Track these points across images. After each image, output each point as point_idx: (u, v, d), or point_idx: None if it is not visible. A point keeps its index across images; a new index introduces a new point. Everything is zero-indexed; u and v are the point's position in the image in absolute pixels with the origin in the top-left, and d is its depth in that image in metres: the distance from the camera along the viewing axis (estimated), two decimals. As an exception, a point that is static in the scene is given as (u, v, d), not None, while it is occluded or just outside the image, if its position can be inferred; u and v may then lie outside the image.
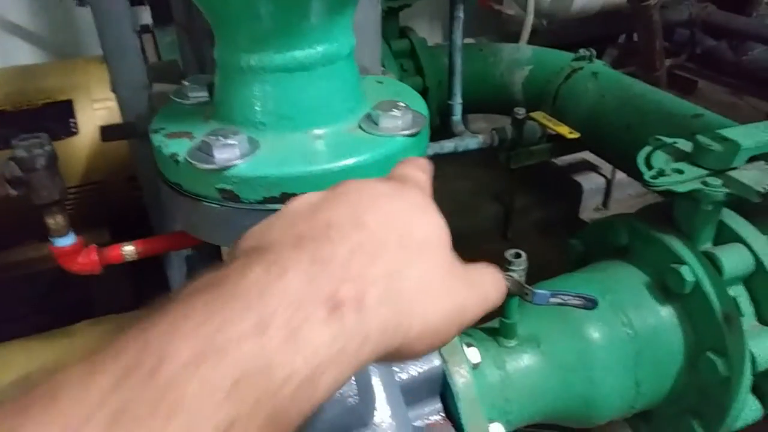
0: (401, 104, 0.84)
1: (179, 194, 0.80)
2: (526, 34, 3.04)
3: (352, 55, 0.84)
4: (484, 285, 0.56)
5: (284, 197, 0.75)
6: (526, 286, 1.20)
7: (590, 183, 3.13)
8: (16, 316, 2.52)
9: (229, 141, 0.75)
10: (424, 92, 2.76)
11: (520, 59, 2.80)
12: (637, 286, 1.40)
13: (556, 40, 3.28)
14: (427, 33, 3.06)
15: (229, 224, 0.78)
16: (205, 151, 0.75)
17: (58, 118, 2.15)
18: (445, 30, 3.69)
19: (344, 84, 0.83)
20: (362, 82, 0.91)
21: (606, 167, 3.13)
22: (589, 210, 3.17)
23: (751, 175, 1.29)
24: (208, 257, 1.06)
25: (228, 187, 0.75)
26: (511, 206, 2.90)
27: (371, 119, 0.83)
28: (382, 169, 0.79)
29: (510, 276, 1.23)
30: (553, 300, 1.19)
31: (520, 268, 1.22)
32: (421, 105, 0.88)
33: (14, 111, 2.11)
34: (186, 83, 0.94)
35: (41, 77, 2.25)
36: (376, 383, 0.94)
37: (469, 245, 2.90)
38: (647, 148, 1.44)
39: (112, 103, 2.22)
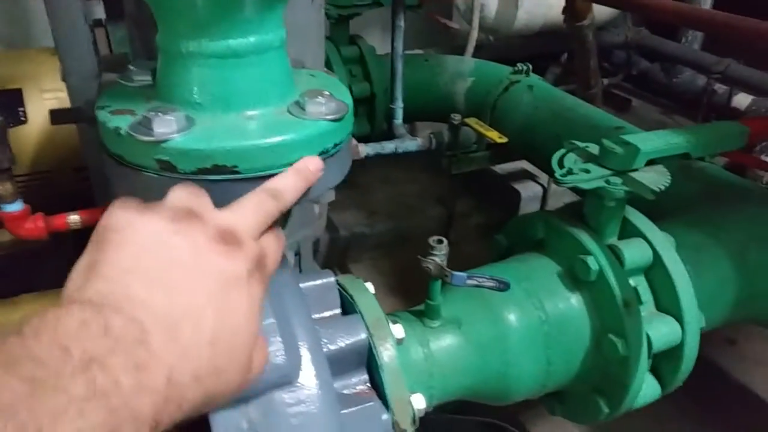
0: (326, 93, 0.94)
1: (121, 165, 0.88)
2: (471, 48, 3.20)
3: (283, 46, 0.94)
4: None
5: (216, 169, 0.84)
6: (446, 269, 1.32)
7: (528, 191, 3.30)
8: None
9: (167, 117, 0.83)
10: (371, 98, 2.88)
11: (463, 71, 2.95)
12: (549, 274, 1.54)
13: (500, 55, 3.45)
14: (378, 42, 3.18)
15: (166, 192, 0.86)
16: (145, 125, 0.83)
17: (8, 106, 2.17)
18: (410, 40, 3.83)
19: (275, 72, 0.93)
20: (295, 73, 1.01)
21: (543, 176, 3.31)
22: (526, 216, 3.33)
23: (649, 176, 1.45)
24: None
25: (165, 158, 0.83)
26: (453, 210, 3.04)
27: (299, 105, 0.93)
28: (306, 148, 0.89)
29: (433, 260, 1.35)
30: (469, 282, 1.32)
31: (441, 253, 1.34)
32: (345, 95, 0.99)
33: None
34: (131, 67, 1.02)
35: (-10, 67, 2.26)
36: (302, 346, 1.02)
37: (415, 246, 3.05)
38: (561, 151, 1.59)
39: (62, 94, 2.25)
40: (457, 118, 2.30)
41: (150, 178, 0.86)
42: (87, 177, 2.19)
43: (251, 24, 0.87)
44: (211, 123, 0.87)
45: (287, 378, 1.00)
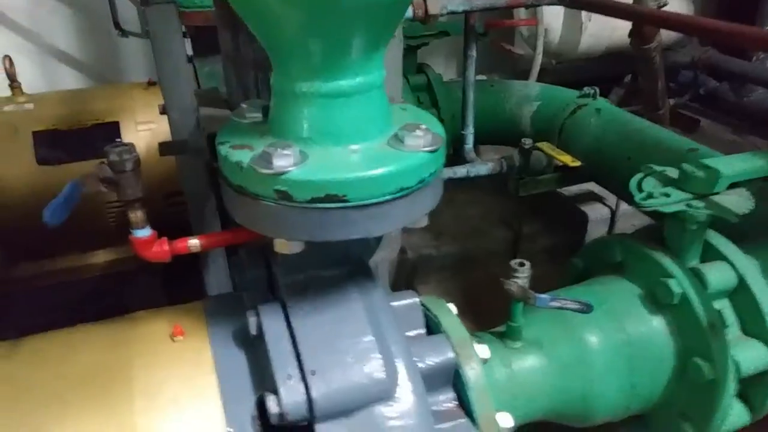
0: (423, 126, 1.01)
1: (242, 195, 0.97)
2: (535, 72, 3.24)
3: (383, 85, 1.02)
4: None
5: (327, 198, 0.92)
6: (529, 291, 1.35)
7: (596, 213, 3.28)
8: (54, 322, 2.69)
9: (285, 152, 0.92)
10: (439, 123, 2.95)
11: (529, 95, 2.99)
12: (630, 297, 1.55)
13: (563, 79, 3.48)
14: (443, 69, 3.27)
15: (282, 220, 0.95)
16: (265, 159, 0.93)
17: (105, 138, 2.35)
18: (459, 67, 3.91)
19: (377, 108, 1.01)
20: (390, 107, 1.09)
21: (611, 198, 3.29)
22: (594, 238, 3.30)
23: (731, 199, 1.45)
24: (254, 259, 1.23)
25: (283, 188, 0.92)
26: (520, 232, 3.05)
27: (398, 138, 1.00)
28: (407, 178, 0.96)
29: (515, 282, 1.39)
30: (552, 303, 1.35)
31: (524, 275, 1.38)
32: (439, 128, 1.06)
33: (66, 130, 2.32)
34: (244, 105, 1.13)
35: (91, 100, 2.47)
36: (399, 363, 1.09)
37: (479, 267, 3.09)
38: (639, 175, 1.61)
39: (155, 125, 2.44)
40: (528, 142, 2.34)
41: (268, 206, 0.95)
42: (175, 203, 2.35)
43: (359, 66, 0.95)
44: (321, 156, 0.96)
45: (387, 393, 1.06)
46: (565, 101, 2.85)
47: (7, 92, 2.44)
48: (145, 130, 2.40)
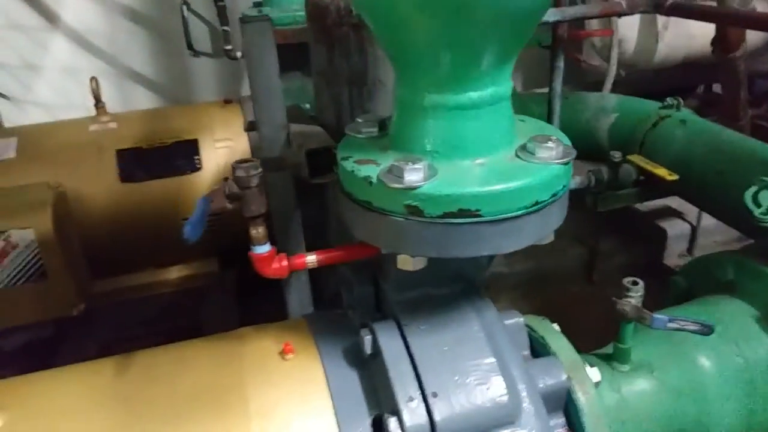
0: (554, 138, 0.97)
1: (368, 210, 0.95)
2: (609, 84, 3.15)
3: (510, 96, 0.98)
4: None
5: (460, 213, 0.88)
6: (645, 311, 1.28)
7: (675, 229, 3.15)
8: (131, 337, 2.74)
9: (416, 166, 0.89)
10: (511, 137, 2.89)
11: (606, 107, 2.90)
12: (745, 318, 1.45)
13: (634, 89, 3.37)
14: (516, 81, 3.21)
15: (410, 235, 0.92)
16: (395, 173, 0.90)
17: (185, 155, 2.40)
18: (526, 79, 3.85)
19: (505, 120, 0.98)
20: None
21: (691, 213, 3.15)
22: (673, 256, 3.17)
23: None
24: (361, 276, 1.20)
25: (415, 203, 0.89)
26: (596, 249, 2.95)
27: (527, 150, 0.96)
28: (542, 191, 0.92)
29: (629, 302, 1.32)
30: (671, 325, 1.27)
31: (637, 294, 1.30)
32: (567, 140, 1.01)
33: (148, 148, 2.37)
34: (359, 120, 1.11)
35: (170, 119, 2.52)
36: (521, 386, 1.03)
37: (555, 287, 2.99)
38: (753, 188, 1.51)
39: (232, 143, 2.47)
40: (617, 155, 2.25)
41: (396, 221, 0.92)
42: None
43: (491, 77, 0.92)
44: (450, 170, 0.92)
45: (511, 417, 1.01)
46: (645, 112, 2.75)
47: (91, 111, 2.51)
48: (223, 147, 2.44)
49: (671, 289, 1.73)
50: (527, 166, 0.93)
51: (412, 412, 0.97)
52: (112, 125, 2.46)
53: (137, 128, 2.47)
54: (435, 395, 0.98)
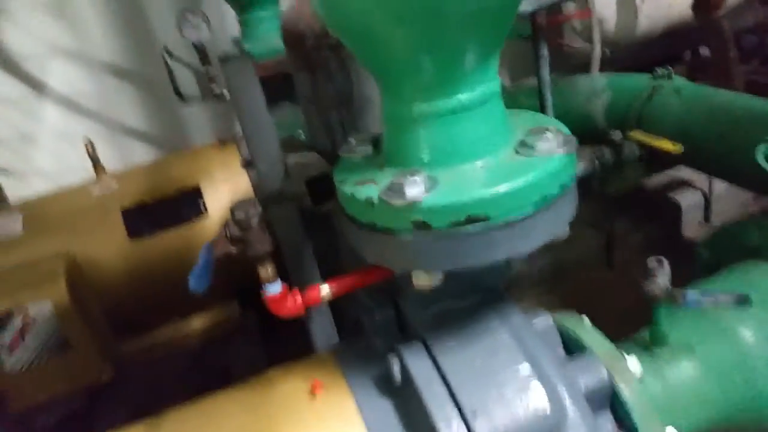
0: (552, 128, 0.94)
1: (373, 232, 0.92)
2: (596, 63, 3.12)
3: (500, 93, 0.96)
4: None
5: (469, 220, 0.85)
6: (675, 290, 1.24)
7: (688, 199, 3.10)
8: (163, 395, 2.71)
9: (415, 178, 0.87)
10: (508, 134, 2.86)
11: (597, 87, 2.87)
12: (780, 281, 1.40)
13: (622, 66, 3.33)
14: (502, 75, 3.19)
15: (421, 251, 0.89)
16: (396, 190, 0.87)
17: (189, 202, 2.39)
18: (513, 73, 3.83)
19: (498, 118, 0.95)
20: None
21: (701, 181, 3.10)
22: (691, 226, 3.12)
23: None
24: (380, 300, 1.17)
25: (420, 218, 0.86)
26: (611, 233, 2.90)
27: (527, 144, 0.93)
28: (551, 184, 0.89)
29: (656, 283, 1.28)
30: (705, 300, 1.22)
31: (664, 274, 1.26)
32: (566, 128, 0.98)
33: (152, 202, 2.37)
34: (352, 141, 1.08)
35: (169, 169, 2.52)
36: (562, 391, 0.99)
37: (576, 277, 2.92)
38: (763, 147, 1.47)
39: (234, 182, 2.45)
40: (617, 135, 2.22)
41: (404, 240, 0.89)
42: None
43: (476, 77, 0.89)
44: (452, 178, 0.90)
45: (556, 425, 0.97)
46: (638, 87, 2.71)
47: (91, 173, 2.51)
48: (225, 188, 2.42)
49: (696, 262, 1.68)
50: (530, 161, 0.90)
51: (453, 434, 0.93)
52: (113, 185, 2.45)
53: (138, 184, 2.46)
54: (474, 414, 0.94)
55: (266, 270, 0.98)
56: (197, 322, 2.64)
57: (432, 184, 0.88)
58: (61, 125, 3.20)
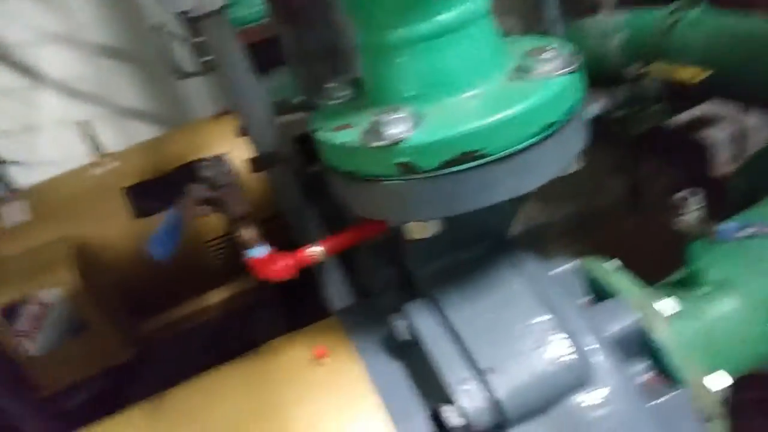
0: (551, 47, 0.82)
1: (356, 181, 0.82)
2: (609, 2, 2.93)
3: (490, 11, 0.83)
4: None
5: (462, 157, 0.74)
6: (709, 223, 1.12)
7: (716, 137, 2.91)
8: (190, 368, 2.69)
9: (397, 115, 0.76)
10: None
11: (610, 28, 2.69)
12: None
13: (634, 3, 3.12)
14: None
15: (411, 198, 0.78)
16: (375, 131, 0.77)
17: (191, 176, 2.31)
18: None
19: (488, 40, 0.83)
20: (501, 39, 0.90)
21: (730, 117, 2.91)
22: (721, 165, 2.94)
23: None
24: (380, 258, 1.08)
25: (406, 159, 0.75)
26: (637, 177, 2.75)
27: (524, 68, 0.81)
28: (554, 109, 0.77)
29: (687, 218, 1.16)
30: (741, 233, 1.11)
31: (698, 206, 1.14)
32: (567, 45, 0.86)
33: (154, 179, 2.31)
34: (330, 85, 0.98)
35: (168, 145, 2.45)
36: (587, 339, 0.89)
37: (603, 225, 2.78)
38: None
39: (237, 155, 2.37)
40: (633, 70, 2.05)
41: (391, 186, 0.79)
42: (274, 227, 2.26)
43: (458, -8, 0.77)
44: (440, 112, 0.79)
45: (583, 377, 0.87)
46: (656, 22, 2.53)
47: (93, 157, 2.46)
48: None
49: (729, 195, 1.54)
50: (528, 85, 0.79)
51: (469, 394, 0.84)
52: (115, 164, 2.40)
53: (139, 162, 2.40)
54: (492, 371, 0.85)
55: (248, 232, 0.89)
56: (216, 296, 2.60)
57: (417, 120, 0.77)
58: (60, 111, 3.15)
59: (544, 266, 1.04)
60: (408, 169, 0.76)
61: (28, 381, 2.13)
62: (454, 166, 0.75)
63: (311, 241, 1.51)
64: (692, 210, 1.14)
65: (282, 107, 1.80)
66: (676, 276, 1.24)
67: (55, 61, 3.07)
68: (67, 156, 3.12)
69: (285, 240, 1.72)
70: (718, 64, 2.31)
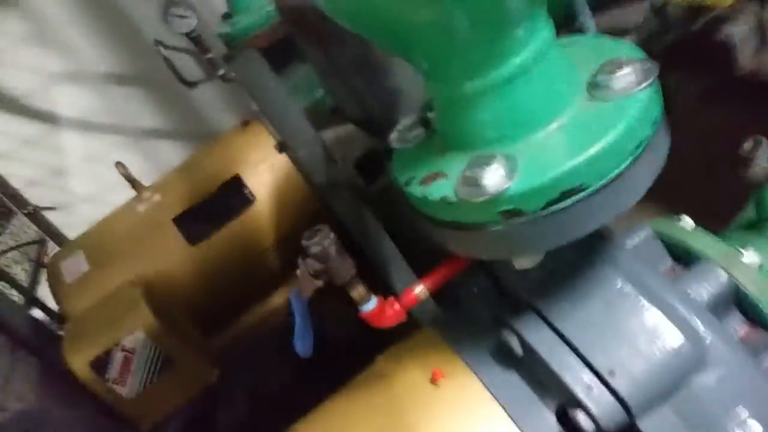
0: (623, 58, 0.82)
1: (456, 229, 0.85)
2: None
3: (554, 37, 0.84)
4: None
5: (565, 194, 0.77)
6: (781, 170, 1.13)
7: (739, 29, 2.84)
8: (270, 371, 2.81)
9: (493, 166, 0.78)
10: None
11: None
12: None
13: None
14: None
15: (517, 238, 0.82)
16: (473, 184, 0.79)
17: (235, 192, 2.35)
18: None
19: (561, 67, 0.83)
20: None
21: (751, 7, 2.83)
22: (746, 59, 2.89)
23: None
24: (474, 270, 1.11)
25: (510, 207, 0.78)
26: (667, 90, 2.71)
27: (599, 85, 0.82)
28: (643, 126, 0.79)
29: (752, 168, 1.17)
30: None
31: (763, 154, 1.16)
32: (637, 51, 0.86)
33: (197, 204, 2.34)
34: (400, 128, 0.99)
35: (202, 166, 2.47)
36: (693, 319, 0.93)
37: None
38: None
39: (273, 160, 2.39)
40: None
41: (496, 231, 0.82)
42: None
43: (527, 33, 0.78)
44: (530, 152, 0.80)
45: (699, 359, 0.92)
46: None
47: (127, 186, 2.49)
48: (265, 170, 2.37)
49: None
50: (613, 107, 0.80)
51: (597, 400, 0.90)
52: (156, 198, 2.43)
53: (179, 189, 2.44)
54: (612, 373, 0.90)
55: (357, 291, 0.94)
56: (277, 300, 2.68)
57: (511, 165, 0.79)
58: (84, 148, 3.17)
59: (627, 248, 1.08)
60: (513, 214, 0.79)
61: (126, 420, 2.24)
62: (556, 204, 0.78)
63: (400, 275, 1.50)
64: (760, 156, 1.16)
65: (314, 115, 1.80)
66: (743, 219, 1.27)
67: (68, 100, 3.07)
68: (101, 190, 3.18)
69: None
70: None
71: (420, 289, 1.00)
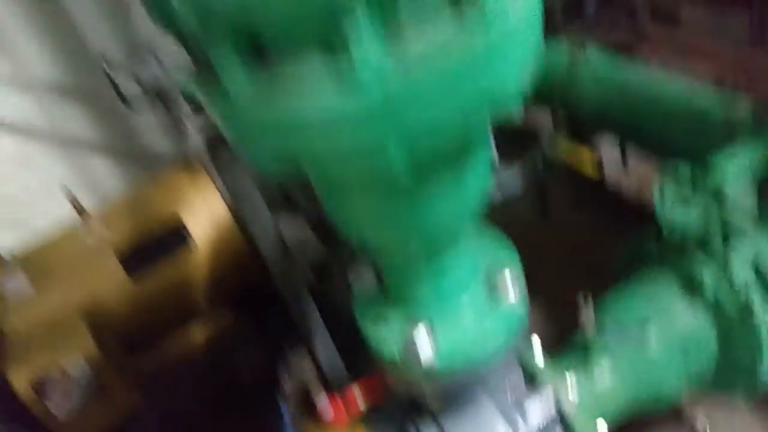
0: (506, 270, 1.31)
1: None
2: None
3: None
4: None
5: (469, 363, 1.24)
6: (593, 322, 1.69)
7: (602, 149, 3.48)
8: (189, 398, 3.04)
9: (421, 337, 1.24)
10: None
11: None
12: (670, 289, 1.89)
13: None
14: None
15: (430, 379, 1.28)
16: (410, 349, 1.24)
17: (174, 233, 2.65)
18: None
19: (472, 256, 1.32)
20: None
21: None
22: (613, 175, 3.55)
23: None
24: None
25: (431, 372, 1.24)
26: (545, 185, 3.27)
27: (495, 288, 1.31)
28: (518, 323, 1.28)
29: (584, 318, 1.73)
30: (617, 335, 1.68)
31: (589, 311, 1.71)
32: (517, 266, 1.36)
33: (141, 241, 2.60)
34: (362, 275, 1.42)
35: (147, 204, 2.71)
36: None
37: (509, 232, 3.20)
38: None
39: (213, 206, 2.65)
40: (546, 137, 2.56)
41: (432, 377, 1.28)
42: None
43: (456, 245, 1.25)
44: (447, 328, 1.27)
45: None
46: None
47: (63, 201, 2.61)
48: (203, 214, 2.65)
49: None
50: (503, 313, 1.29)
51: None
52: (102, 230, 2.63)
53: (124, 223, 2.65)
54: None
55: (320, 396, 1.35)
56: (197, 332, 2.97)
57: (434, 339, 1.25)
58: (17, 153, 3.25)
59: (501, 374, 1.59)
60: (432, 376, 1.26)
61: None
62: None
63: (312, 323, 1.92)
64: (588, 313, 1.71)
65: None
66: (575, 348, 1.83)
67: (4, 103, 3.16)
68: (28, 197, 3.26)
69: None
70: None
71: (359, 395, 1.44)
